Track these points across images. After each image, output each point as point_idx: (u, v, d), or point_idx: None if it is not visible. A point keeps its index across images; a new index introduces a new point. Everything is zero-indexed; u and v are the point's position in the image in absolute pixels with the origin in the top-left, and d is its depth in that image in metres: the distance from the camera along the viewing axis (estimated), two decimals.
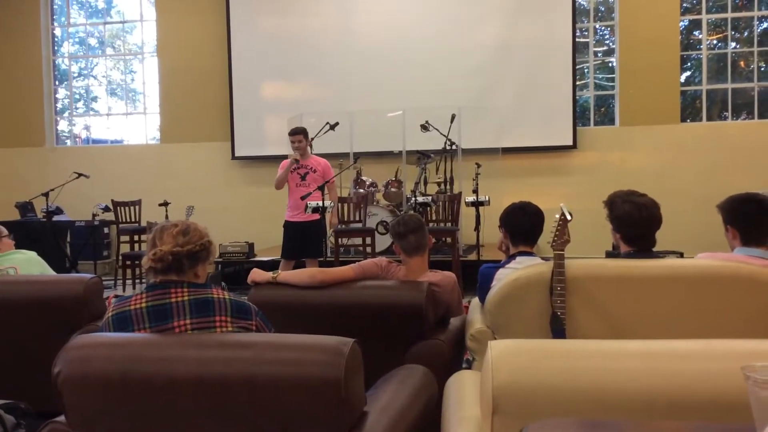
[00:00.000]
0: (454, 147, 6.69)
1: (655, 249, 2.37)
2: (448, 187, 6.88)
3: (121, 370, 1.56)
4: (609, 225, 2.42)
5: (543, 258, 2.62)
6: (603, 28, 8.33)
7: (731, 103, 7.89)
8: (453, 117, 6.67)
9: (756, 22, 7.86)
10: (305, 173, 5.60)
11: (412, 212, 5.24)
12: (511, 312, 2.19)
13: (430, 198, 6.22)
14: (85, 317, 2.85)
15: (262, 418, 1.51)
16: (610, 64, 8.20)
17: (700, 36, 8.00)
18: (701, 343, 1.43)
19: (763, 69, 7.88)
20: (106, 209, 7.41)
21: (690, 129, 7.74)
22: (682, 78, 7.94)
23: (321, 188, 5.21)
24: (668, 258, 2.46)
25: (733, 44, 7.97)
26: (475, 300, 2.90)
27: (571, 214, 2.18)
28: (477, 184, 5.87)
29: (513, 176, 7.66)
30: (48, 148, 9.16)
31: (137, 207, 7.60)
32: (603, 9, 8.26)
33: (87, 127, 9.72)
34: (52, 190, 7.01)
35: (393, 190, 6.91)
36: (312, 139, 6.44)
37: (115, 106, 9.64)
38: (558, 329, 2.06)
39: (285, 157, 5.72)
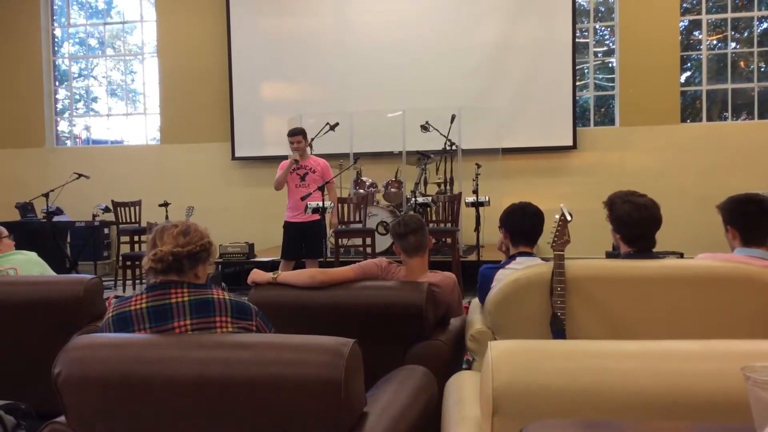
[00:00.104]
0: (454, 147, 6.69)
1: (655, 249, 2.37)
2: (448, 187, 6.88)
3: (121, 371, 1.56)
4: (609, 225, 2.42)
5: (543, 258, 2.62)
6: (603, 28, 8.34)
7: (731, 103, 7.89)
8: (453, 117, 6.68)
9: (756, 23, 7.86)
10: (305, 174, 5.60)
11: (412, 213, 5.24)
12: (511, 312, 2.19)
13: (430, 198, 6.22)
14: (86, 318, 2.85)
15: (262, 418, 1.51)
16: (610, 65, 8.20)
17: (700, 36, 8.00)
18: (701, 343, 1.43)
19: (763, 69, 7.88)
20: (107, 210, 7.41)
21: (690, 129, 7.74)
22: (682, 78, 7.95)
23: (321, 189, 5.22)
24: (668, 258, 2.45)
25: (733, 44, 7.98)
26: (475, 300, 2.90)
27: (571, 215, 2.18)
28: (477, 185, 5.86)
29: (513, 177, 7.66)
30: (48, 149, 9.17)
31: (137, 207, 7.61)
32: (603, 9, 8.27)
33: (87, 128, 9.72)
34: (53, 190, 7.01)
35: (393, 190, 6.91)
36: (312, 139, 6.44)
37: (115, 107, 9.65)
38: (558, 330, 2.06)
39: (285, 157, 5.72)
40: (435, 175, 7.03)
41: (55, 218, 7.23)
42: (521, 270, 2.25)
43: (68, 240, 8.04)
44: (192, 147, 8.67)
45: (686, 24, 8.09)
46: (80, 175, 7.21)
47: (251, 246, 6.97)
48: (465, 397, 1.75)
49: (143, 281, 6.51)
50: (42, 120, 9.15)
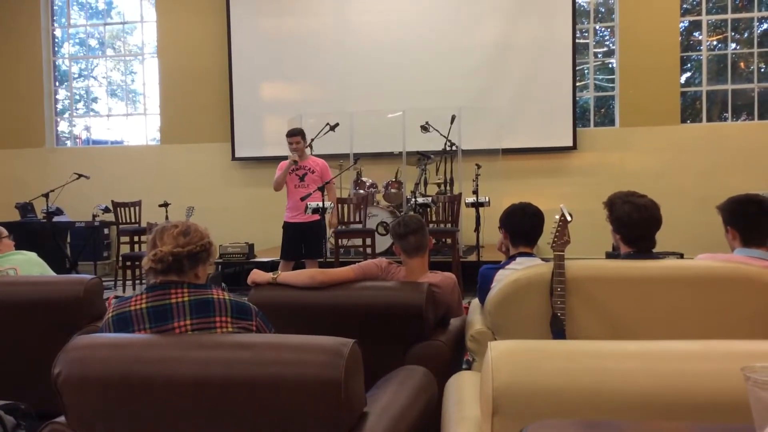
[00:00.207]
0: (454, 148, 6.69)
1: (655, 250, 2.37)
2: (448, 188, 6.88)
3: (121, 371, 1.56)
4: (609, 226, 2.43)
5: (543, 259, 2.62)
6: (603, 29, 8.34)
7: (731, 104, 7.89)
8: (453, 118, 6.68)
9: (756, 23, 7.86)
10: (304, 174, 5.61)
11: (412, 213, 5.24)
12: (511, 313, 2.19)
13: (430, 199, 6.22)
14: (85, 318, 2.85)
15: (262, 418, 1.51)
16: (610, 65, 8.20)
17: (700, 37, 8.00)
18: (701, 343, 1.43)
19: (763, 70, 7.88)
20: (106, 210, 7.41)
21: (690, 130, 7.74)
22: (682, 79, 7.95)
23: (321, 189, 5.22)
24: (668, 259, 2.45)
25: (733, 45, 7.98)
26: (475, 301, 2.90)
27: (571, 215, 2.18)
28: (477, 185, 5.86)
29: (513, 177, 7.66)
30: (48, 149, 9.17)
31: (137, 208, 7.61)
32: (603, 10, 8.27)
33: (87, 128, 9.72)
34: (53, 190, 7.01)
35: (393, 191, 6.91)
36: (312, 139, 6.44)
37: (115, 107, 9.65)
38: (558, 330, 2.06)
39: (284, 158, 5.73)
40: (435, 175, 7.03)
41: (55, 218, 7.24)
42: (521, 270, 2.25)
43: (68, 240, 8.04)
44: (192, 147, 8.67)
45: (686, 25, 8.09)
46: (80, 176, 7.21)
47: (251, 246, 6.97)
48: (465, 397, 1.75)
49: (143, 281, 6.52)
50: (42, 120, 9.15)
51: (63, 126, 9.63)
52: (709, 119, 8.00)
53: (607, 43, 8.34)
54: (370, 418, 1.58)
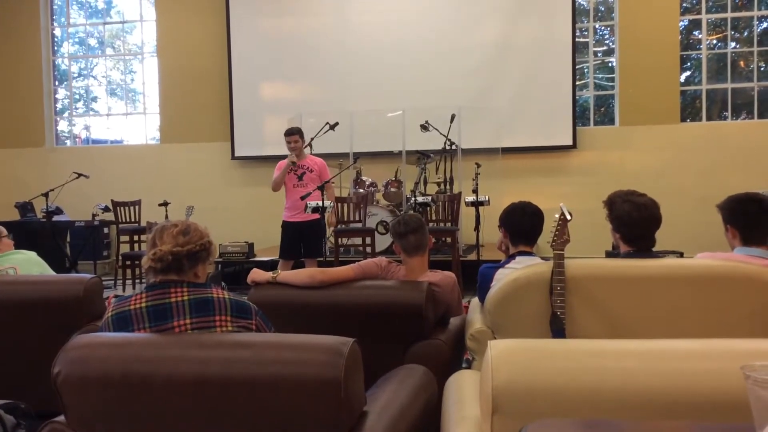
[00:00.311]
0: (453, 147, 6.68)
1: (654, 249, 2.37)
2: (447, 187, 6.88)
3: (120, 370, 1.56)
4: (609, 225, 2.42)
5: (543, 258, 2.62)
6: (603, 27, 8.33)
7: (731, 102, 7.89)
8: (453, 117, 6.68)
9: (756, 22, 7.86)
10: (302, 173, 5.61)
11: (412, 212, 5.24)
12: (511, 312, 2.19)
13: (429, 198, 6.22)
14: (85, 317, 2.85)
15: (262, 417, 1.51)
16: (610, 64, 8.20)
17: (700, 36, 8.00)
18: (701, 342, 1.43)
19: (762, 69, 7.88)
20: (106, 209, 7.41)
21: (690, 129, 7.74)
22: (682, 78, 7.94)
23: (321, 188, 5.22)
24: (668, 258, 2.45)
25: (733, 44, 7.98)
26: (475, 300, 2.90)
27: (570, 214, 2.18)
28: (477, 184, 5.86)
29: (513, 176, 7.66)
30: (48, 149, 9.16)
31: (137, 207, 7.61)
32: (603, 9, 8.27)
33: (87, 128, 9.72)
34: (52, 190, 7.01)
35: (393, 190, 6.91)
36: (312, 139, 6.44)
37: (114, 107, 9.65)
38: (558, 329, 2.06)
39: (284, 157, 5.73)
40: (435, 174, 7.03)
41: (55, 218, 7.24)
42: (521, 269, 2.25)
43: (68, 239, 8.03)
44: (192, 146, 8.67)
45: (686, 23, 8.09)
46: (80, 175, 7.20)
47: (251, 245, 6.97)
48: (465, 396, 1.75)
49: (143, 281, 6.52)
50: (42, 120, 9.15)
51: (63, 125, 9.63)
52: (708, 118, 8.00)
53: (607, 41, 8.34)
54: (369, 417, 1.58)
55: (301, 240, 5.57)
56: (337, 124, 6.61)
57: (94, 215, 7.61)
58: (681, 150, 7.58)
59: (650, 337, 1.51)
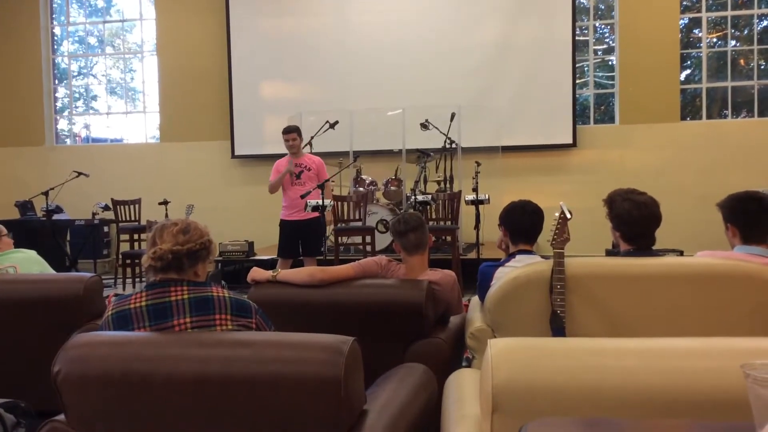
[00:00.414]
0: (453, 145, 6.68)
1: (654, 247, 2.37)
2: (447, 185, 6.88)
3: (120, 369, 1.56)
4: (609, 223, 2.42)
5: (543, 256, 2.62)
6: (603, 26, 8.33)
7: (731, 101, 7.89)
8: (453, 115, 6.67)
9: (756, 20, 7.85)
10: (300, 171, 5.62)
11: (412, 211, 5.24)
12: (511, 310, 2.19)
13: (429, 196, 6.22)
14: (85, 316, 2.85)
15: (262, 416, 1.51)
16: (610, 63, 8.19)
17: (700, 34, 7.99)
18: (701, 341, 1.43)
19: (763, 67, 7.88)
20: (106, 208, 7.41)
21: (690, 127, 7.74)
22: (682, 76, 7.94)
23: (321, 187, 5.22)
24: (668, 256, 2.45)
25: (733, 42, 7.97)
26: (475, 298, 2.91)
27: (570, 213, 2.18)
28: (477, 183, 5.86)
29: (513, 175, 7.66)
30: (48, 147, 9.16)
31: (137, 206, 7.60)
32: (603, 7, 8.26)
33: (87, 126, 9.72)
34: (52, 188, 7.00)
35: (393, 188, 6.91)
36: (312, 137, 6.44)
37: (114, 105, 9.64)
38: (558, 327, 2.06)
39: (283, 155, 5.74)
40: (435, 173, 7.03)
41: (55, 216, 7.24)
42: (521, 268, 2.25)
43: (68, 238, 8.03)
44: (192, 145, 8.66)
45: (686, 22, 8.08)
46: (80, 174, 7.20)
47: (251, 244, 6.97)
48: (465, 394, 1.75)
49: (143, 279, 6.52)
50: (42, 118, 9.14)
51: (62, 124, 9.63)
52: (708, 116, 8.00)
53: (607, 40, 8.33)
54: (369, 415, 1.59)
55: (299, 239, 5.57)
56: (337, 122, 6.61)
57: (94, 214, 7.61)
58: (681, 148, 7.57)
59: (650, 335, 1.51)
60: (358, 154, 6.75)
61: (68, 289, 2.85)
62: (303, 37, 8.19)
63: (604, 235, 2.81)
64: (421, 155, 6.63)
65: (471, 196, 5.75)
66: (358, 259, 2.87)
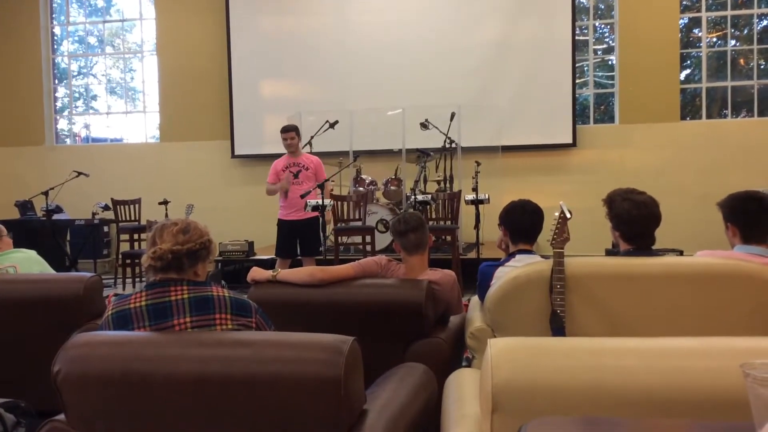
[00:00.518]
0: (453, 145, 6.68)
1: (654, 247, 2.37)
2: (447, 185, 6.88)
3: (120, 369, 1.56)
4: (608, 223, 2.42)
5: (542, 256, 2.62)
6: (603, 26, 8.33)
7: (731, 100, 7.89)
8: (453, 115, 6.67)
9: (756, 20, 7.85)
10: (298, 171, 5.62)
11: (412, 210, 5.24)
12: (511, 310, 2.19)
13: (429, 196, 6.22)
14: (85, 316, 2.85)
15: (262, 416, 1.51)
16: (610, 62, 8.19)
17: (700, 34, 7.99)
18: (700, 340, 1.43)
19: (762, 67, 7.88)
20: (106, 208, 7.41)
21: (690, 127, 7.74)
22: (682, 76, 7.94)
23: (321, 186, 5.22)
24: (668, 256, 2.45)
25: (733, 42, 7.97)
26: (475, 298, 2.91)
27: (570, 212, 2.18)
28: (477, 183, 5.86)
29: (513, 174, 7.66)
30: (48, 147, 9.16)
31: (137, 205, 7.60)
32: (603, 7, 8.26)
33: (86, 126, 9.72)
34: (52, 188, 7.00)
35: (393, 188, 6.91)
36: (312, 137, 6.44)
37: (114, 105, 9.64)
38: (557, 327, 2.06)
39: (281, 155, 5.74)
40: (435, 172, 7.03)
41: (55, 216, 7.23)
42: (521, 267, 2.25)
43: (68, 238, 8.03)
44: (191, 145, 8.66)
45: (686, 21, 8.08)
46: (80, 173, 7.20)
47: (251, 244, 6.97)
48: (465, 394, 1.75)
49: (143, 279, 6.52)
50: (41, 118, 9.14)
51: (62, 124, 9.63)
52: (708, 116, 8.00)
53: (607, 40, 8.33)
54: (369, 415, 1.59)
55: (296, 238, 5.57)
56: (336, 122, 6.61)
57: (94, 214, 7.61)
58: (681, 148, 7.57)
59: (650, 335, 1.51)
60: (357, 154, 6.75)
61: (68, 289, 2.85)
62: (303, 37, 8.19)
63: (604, 235, 2.81)
64: (421, 155, 6.62)
65: (471, 196, 5.76)
66: (358, 259, 2.87)
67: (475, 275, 2.81)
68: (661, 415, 1.26)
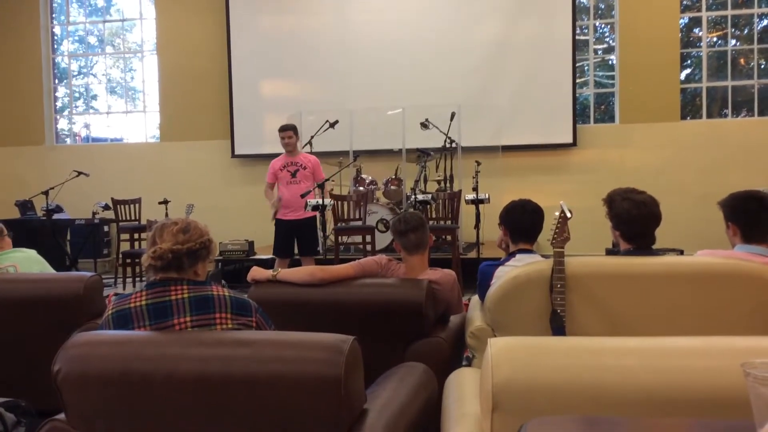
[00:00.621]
0: (453, 145, 6.68)
1: (654, 246, 2.37)
2: (448, 184, 6.88)
3: (121, 368, 1.56)
4: (609, 222, 2.42)
5: (543, 256, 2.62)
6: (603, 25, 8.32)
7: (731, 100, 7.89)
8: (453, 115, 6.67)
9: (756, 20, 7.85)
10: (295, 170, 5.63)
11: (412, 210, 5.24)
12: (511, 309, 2.19)
13: (430, 196, 6.22)
14: (85, 315, 2.85)
15: (262, 415, 1.51)
16: (610, 62, 8.19)
17: (700, 33, 7.99)
18: (701, 340, 1.43)
19: (763, 66, 7.87)
20: (106, 207, 7.41)
21: (690, 126, 7.74)
22: (682, 75, 7.94)
23: (321, 186, 5.22)
24: (668, 255, 2.45)
25: (733, 41, 7.97)
26: (475, 298, 2.91)
27: (570, 212, 2.18)
28: (477, 182, 5.86)
29: (513, 174, 7.66)
30: (48, 147, 9.16)
31: (137, 205, 7.60)
32: (603, 6, 8.25)
33: (87, 126, 9.72)
34: (52, 188, 7.00)
35: (393, 188, 6.91)
36: (312, 137, 6.44)
37: (114, 105, 9.64)
38: (558, 326, 2.06)
39: (279, 155, 5.75)
40: (435, 172, 7.03)
41: (55, 216, 7.23)
42: (521, 267, 2.25)
43: (68, 238, 8.04)
44: (192, 145, 8.66)
45: (686, 21, 8.08)
46: (80, 173, 7.20)
47: (251, 243, 6.97)
48: (465, 394, 1.75)
49: (143, 279, 6.52)
50: (42, 118, 9.14)
51: (62, 123, 9.63)
52: (709, 116, 8.00)
53: (607, 39, 8.33)
54: (369, 414, 1.59)
55: (294, 238, 5.57)
56: (337, 122, 6.61)
57: (94, 213, 7.61)
58: (681, 148, 7.57)
59: (650, 334, 1.51)
60: (358, 154, 6.75)
61: (68, 289, 2.85)
62: (303, 37, 8.19)
63: (604, 235, 2.81)
64: (421, 154, 6.62)
65: (471, 196, 5.76)
66: (358, 259, 2.87)
67: (475, 275, 2.81)
68: (662, 415, 1.26)
